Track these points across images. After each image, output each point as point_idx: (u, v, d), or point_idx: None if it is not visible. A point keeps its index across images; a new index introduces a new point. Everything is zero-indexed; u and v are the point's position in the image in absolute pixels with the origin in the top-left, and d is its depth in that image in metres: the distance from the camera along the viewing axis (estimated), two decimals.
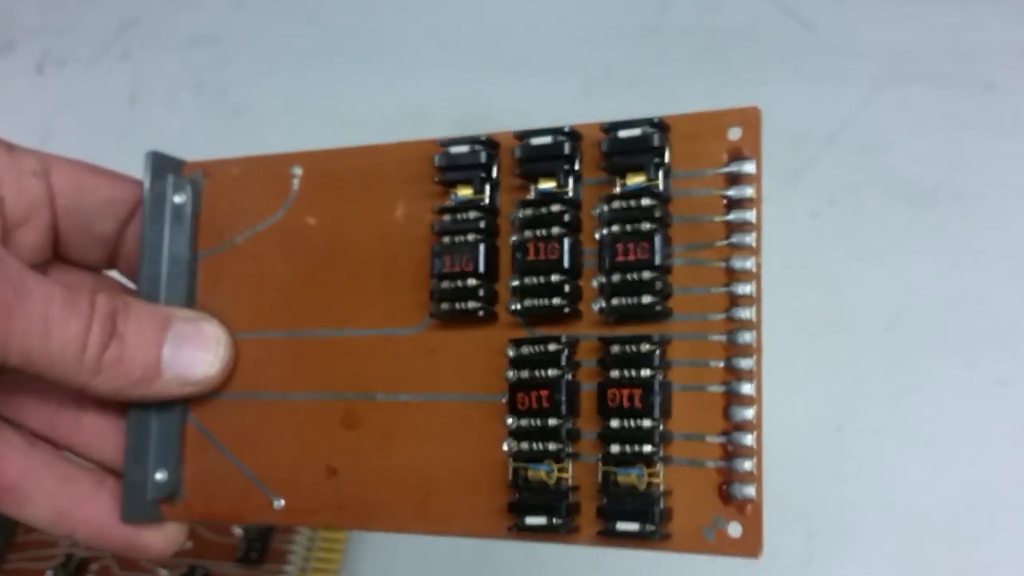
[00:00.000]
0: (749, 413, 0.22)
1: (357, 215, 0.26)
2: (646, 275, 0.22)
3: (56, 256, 0.28)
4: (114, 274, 0.29)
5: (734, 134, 0.22)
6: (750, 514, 0.22)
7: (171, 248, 0.27)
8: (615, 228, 0.23)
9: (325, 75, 0.53)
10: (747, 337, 0.22)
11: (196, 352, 0.26)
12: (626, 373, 0.22)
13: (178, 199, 0.27)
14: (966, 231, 0.43)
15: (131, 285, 0.29)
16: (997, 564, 0.38)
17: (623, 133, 0.23)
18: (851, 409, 0.41)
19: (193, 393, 0.26)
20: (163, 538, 0.27)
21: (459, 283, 0.24)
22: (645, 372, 0.22)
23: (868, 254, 0.43)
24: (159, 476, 0.26)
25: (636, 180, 0.23)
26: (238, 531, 0.42)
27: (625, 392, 0.22)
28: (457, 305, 0.24)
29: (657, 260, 0.22)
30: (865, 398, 0.41)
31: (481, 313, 0.24)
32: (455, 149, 0.25)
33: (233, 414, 0.27)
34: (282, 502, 0.26)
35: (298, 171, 0.27)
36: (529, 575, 0.41)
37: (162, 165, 0.27)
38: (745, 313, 0.22)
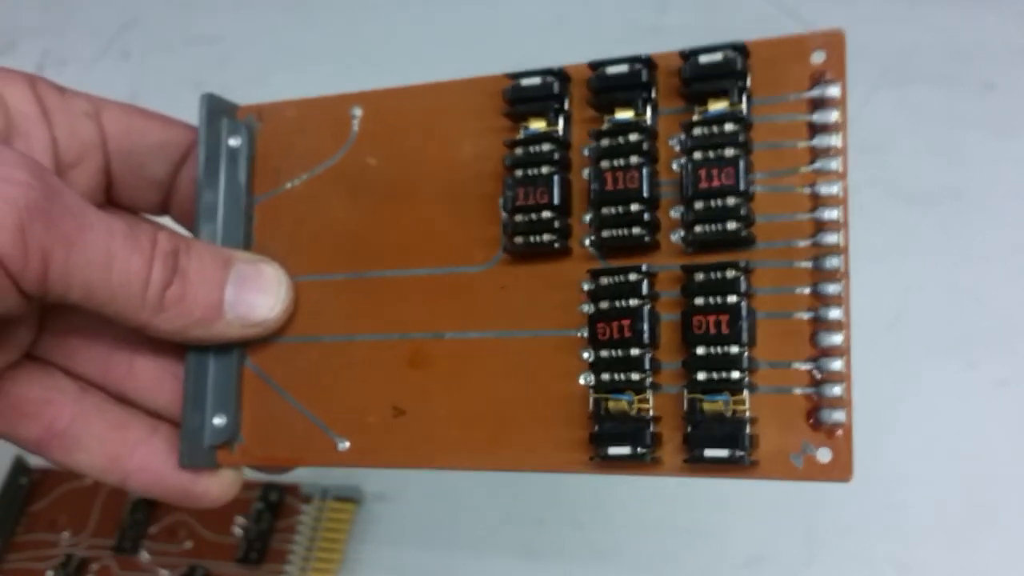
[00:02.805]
0: (838, 338, 0.21)
1: (421, 153, 0.25)
2: (731, 201, 0.22)
3: (109, 202, 0.28)
4: (167, 221, 0.30)
5: (817, 57, 0.22)
6: (840, 439, 0.21)
7: (227, 191, 0.26)
8: (697, 155, 0.22)
9: (325, 75, 0.53)
10: (834, 262, 0.21)
11: (257, 294, 0.25)
12: (711, 300, 0.22)
13: (233, 142, 0.27)
14: (966, 231, 0.43)
15: (184, 231, 0.28)
16: (997, 564, 0.38)
17: (704, 58, 0.22)
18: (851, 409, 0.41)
19: (254, 335, 0.26)
20: (219, 484, 0.27)
21: (533, 216, 0.23)
22: (732, 298, 0.22)
23: (868, 254, 0.43)
24: (217, 421, 0.26)
25: (718, 106, 0.22)
26: (238, 531, 0.42)
27: (711, 319, 0.22)
28: (532, 238, 0.23)
29: (742, 186, 0.21)
30: (865, 398, 0.41)
31: (557, 245, 0.23)
32: (526, 81, 0.24)
33: (293, 357, 0.26)
34: (347, 444, 0.25)
35: (358, 112, 0.26)
36: (529, 575, 0.41)
37: (217, 108, 0.27)
38: (832, 238, 0.21)
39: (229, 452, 0.26)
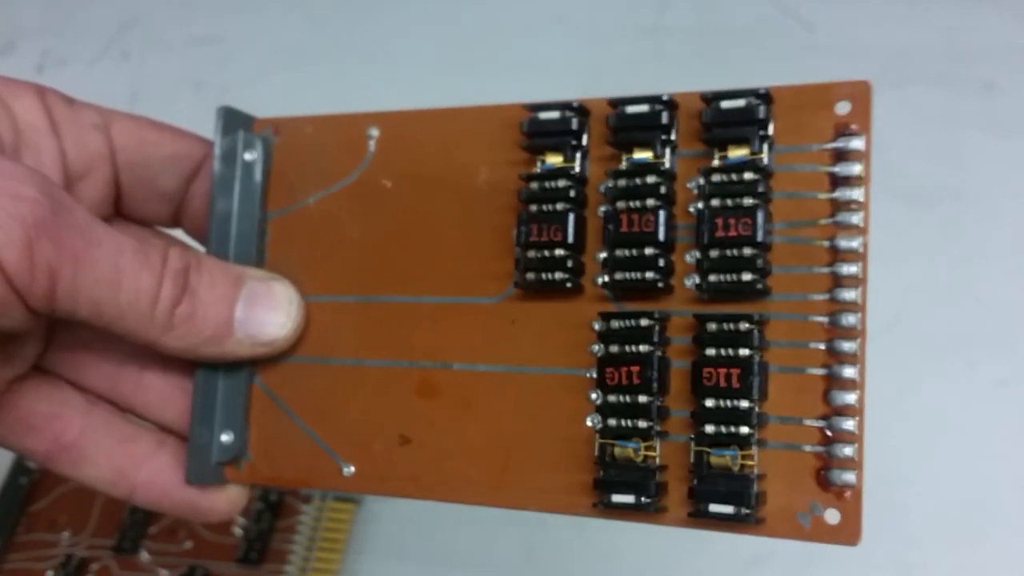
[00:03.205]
0: (851, 397, 0.21)
1: (436, 179, 0.25)
2: (747, 252, 0.21)
3: (119, 214, 0.27)
4: (179, 233, 0.29)
5: (842, 108, 0.22)
6: (849, 500, 0.21)
7: (241, 206, 0.26)
8: (715, 202, 0.22)
9: (325, 75, 0.53)
10: (851, 319, 0.21)
11: (268, 312, 0.25)
12: (723, 352, 0.21)
13: (248, 156, 0.26)
14: (966, 231, 0.43)
15: (196, 244, 0.28)
16: (997, 564, 0.38)
17: (726, 104, 0.22)
18: None
19: (264, 354, 0.26)
20: (226, 500, 0.27)
21: (546, 253, 0.23)
22: (744, 351, 0.21)
23: (868, 254, 0.43)
24: (225, 438, 0.26)
25: (739, 153, 0.22)
26: (238, 531, 0.42)
27: (722, 371, 0.21)
28: (544, 275, 0.23)
29: (759, 237, 0.21)
30: (865, 398, 0.41)
31: (569, 284, 0.23)
32: (544, 115, 0.24)
33: (302, 378, 0.26)
34: (352, 469, 0.25)
35: (375, 132, 0.26)
36: (528, 575, 0.41)
37: (233, 121, 0.26)
38: (850, 294, 0.21)
39: (236, 469, 0.26)
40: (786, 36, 0.48)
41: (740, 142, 0.22)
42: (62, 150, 0.25)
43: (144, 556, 0.42)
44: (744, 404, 0.21)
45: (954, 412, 0.40)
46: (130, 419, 0.27)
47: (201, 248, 0.28)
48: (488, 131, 0.25)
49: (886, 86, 0.45)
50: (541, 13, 0.52)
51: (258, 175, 0.27)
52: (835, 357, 0.21)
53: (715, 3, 0.50)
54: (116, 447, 0.26)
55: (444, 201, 0.25)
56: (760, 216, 0.21)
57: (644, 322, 0.22)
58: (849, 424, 0.21)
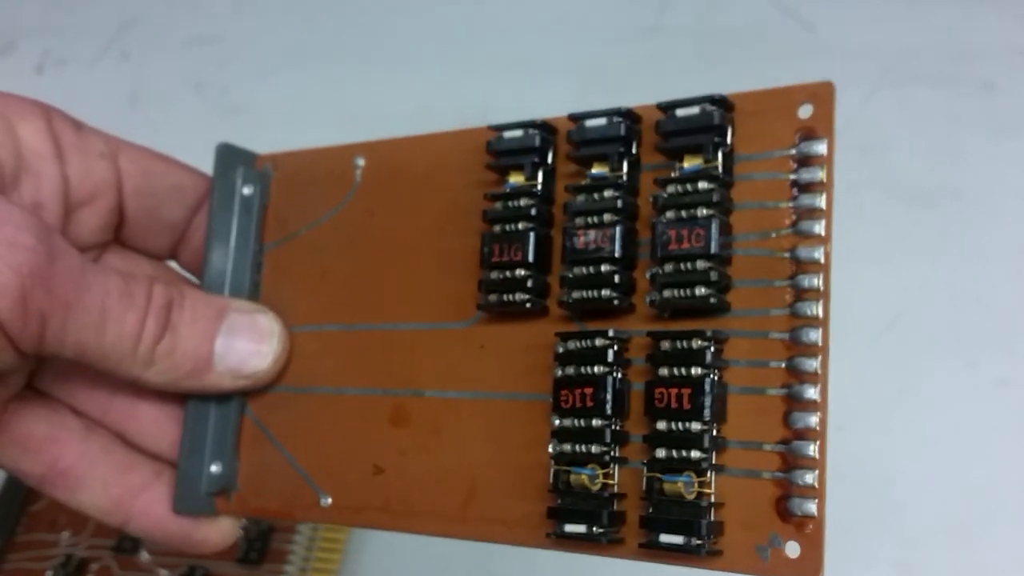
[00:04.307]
0: (812, 420, 0.19)
1: (415, 205, 0.25)
2: (700, 265, 0.20)
3: (117, 241, 0.27)
4: (174, 266, 0.29)
5: (804, 112, 0.20)
6: (811, 533, 0.19)
7: (238, 240, 0.26)
8: (670, 214, 0.21)
9: (325, 75, 0.53)
10: (812, 336, 0.19)
11: (249, 344, 0.25)
12: (675, 371, 0.20)
13: (247, 191, 0.27)
14: (966, 231, 0.43)
15: (191, 277, 0.28)
16: (997, 564, 0.38)
17: (681, 112, 0.21)
18: (851, 409, 0.41)
19: (246, 387, 0.25)
20: (219, 532, 0.26)
21: (508, 273, 0.22)
22: (696, 370, 0.20)
23: (868, 254, 0.43)
24: (214, 468, 0.26)
25: (694, 162, 0.21)
26: (238, 531, 0.42)
27: (673, 392, 0.20)
28: (505, 296, 0.22)
29: (713, 248, 0.20)
30: (865, 398, 0.41)
31: (529, 305, 0.22)
32: (509, 134, 0.23)
33: (289, 407, 0.26)
34: (329, 500, 0.25)
35: (361, 162, 0.26)
36: (527, 575, 0.41)
37: (231, 157, 0.27)
38: (810, 309, 0.19)
39: (226, 500, 0.26)
40: (786, 36, 0.48)
41: (695, 151, 0.21)
42: (65, 176, 0.25)
43: (144, 556, 0.42)
44: (696, 426, 0.20)
45: (954, 412, 0.40)
46: (129, 448, 0.27)
47: (190, 279, 0.28)
48: (462, 155, 0.24)
49: (886, 86, 0.45)
50: (541, 13, 0.52)
51: (255, 209, 0.27)
52: (796, 376, 0.19)
53: (715, 3, 0.50)
54: (113, 475, 0.26)
55: (421, 227, 0.25)
56: (714, 227, 0.20)
57: (599, 342, 0.21)
58: (811, 449, 0.19)
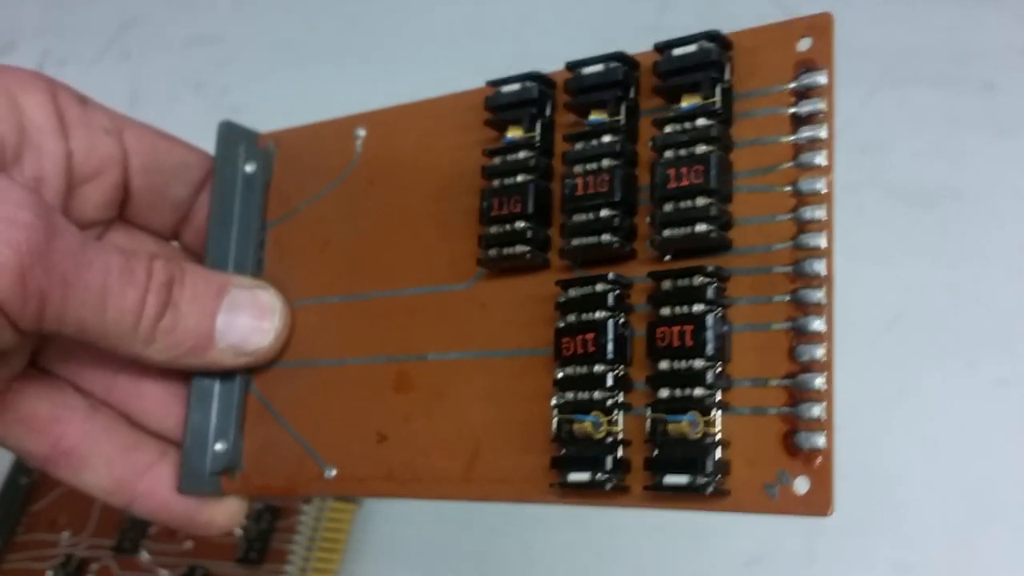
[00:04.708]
0: (818, 352, 0.19)
1: (415, 171, 0.25)
2: (700, 201, 0.20)
3: (121, 218, 0.27)
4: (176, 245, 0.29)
5: (803, 44, 0.20)
6: (819, 467, 0.18)
7: (240, 217, 0.26)
8: (668, 153, 0.20)
9: (325, 75, 0.53)
10: (816, 266, 0.19)
11: (250, 321, 0.25)
12: (676, 309, 0.20)
13: (249, 168, 0.26)
14: (966, 231, 0.43)
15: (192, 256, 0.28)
16: (997, 564, 0.38)
17: (678, 51, 0.21)
18: (851, 409, 0.41)
19: (248, 364, 0.25)
20: (225, 513, 0.26)
21: (507, 226, 0.22)
22: (698, 307, 0.19)
23: (868, 254, 0.43)
24: (218, 447, 0.25)
25: (692, 100, 0.20)
26: (238, 531, 0.42)
27: (675, 330, 0.19)
28: (505, 250, 0.22)
29: (713, 183, 0.19)
30: (865, 398, 0.41)
31: (529, 256, 0.22)
32: (506, 88, 0.23)
33: (292, 382, 0.25)
34: (334, 471, 0.24)
35: (361, 132, 0.26)
36: (527, 575, 0.41)
37: (234, 136, 0.26)
38: (814, 240, 0.19)
39: (231, 479, 0.26)
40: None
41: (693, 90, 0.20)
42: (69, 151, 0.24)
43: (144, 556, 0.42)
44: (699, 363, 0.19)
45: (954, 412, 0.40)
46: (133, 427, 0.26)
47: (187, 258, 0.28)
48: (460, 116, 0.24)
49: (886, 86, 0.45)
50: (541, 13, 0.52)
51: (258, 187, 0.26)
52: (801, 309, 0.19)
53: (715, 3, 0.50)
54: (117, 455, 0.25)
55: (421, 192, 0.24)
56: (713, 161, 0.19)
57: (599, 287, 0.20)
58: (817, 381, 0.18)
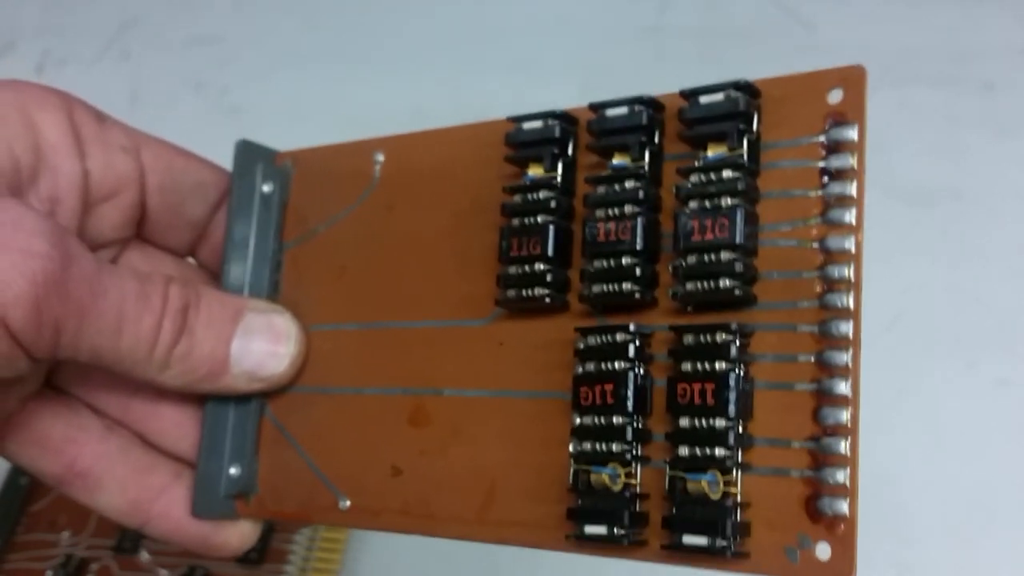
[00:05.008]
0: (843, 416, 0.18)
1: (433, 200, 0.24)
2: (725, 256, 0.19)
3: (138, 236, 0.27)
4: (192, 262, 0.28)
5: (834, 97, 0.19)
6: (843, 534, 0.18)
7: (257, 238, 0.26)
8: (693, 204, 0.20)
9: (325, 75, 0.53)
10: (843, 328, 0.18)
11: (265, 346, 0.24)
12: (699, 366, 0.19)
13: (267, 188, 0.26)
14: (966, 231, 0.43)
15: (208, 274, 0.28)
16: (997, 564, 0.38)
17: (705, 99, 0.20)
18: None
19: (263, 389, 0.25)
20: (239, 536, 0.26)
21: (527, 268, 0.22)
22: (720, 365, 0.19)
23: (868, 254, 0.43)
24: (233, 471, 0.25)
25: (718, 151, 0.20)
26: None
27: (697, 387, 0.19)
28: (524, 292, 0.21)
29: (738, 239, 0.19)
30: (865, 398, 0.41)
31: (548, 300, 0.21)
32: (527, 125, 0.22)
33: (307, 408, 0.25)
34: (348, 503, 0.24)
35: (380, 157, 0.25)
36: (529, 575, 0.41)
37: (251, 154, 0.26)
38: (841, 300, 0.18)
39: (245, 503, 0.25)
40: (786, 36, 0.48)
41: (719, 139, 0.20)
42: (86, 171, 0.24)
43: (144, 556, 0.42)
44: (720, 423, 0.19)
45: (954, 412, 0.40)
46: (148, 449, 0.26)
47: (205, 278, 0.27)
48: (480, 149, 0.23)
49: (886, 86, 0.45)
50: (541, 13, 0.52)
51: (275, 207, 0.26)
52: (826, 371, 0.18)
53: (715, 3, 0.50)
54: (131, 477, 0.25)
55: (440, 223, 0.24)
56: (739, 216, 0.19)
57: (620, 336, 0.20)
58: (841, 446, 0.18)
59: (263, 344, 0.25)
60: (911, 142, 0.44)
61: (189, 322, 0.23)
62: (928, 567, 0.38)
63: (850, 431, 0.18)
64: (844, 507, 0.18)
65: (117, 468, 0.25)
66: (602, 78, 0.48)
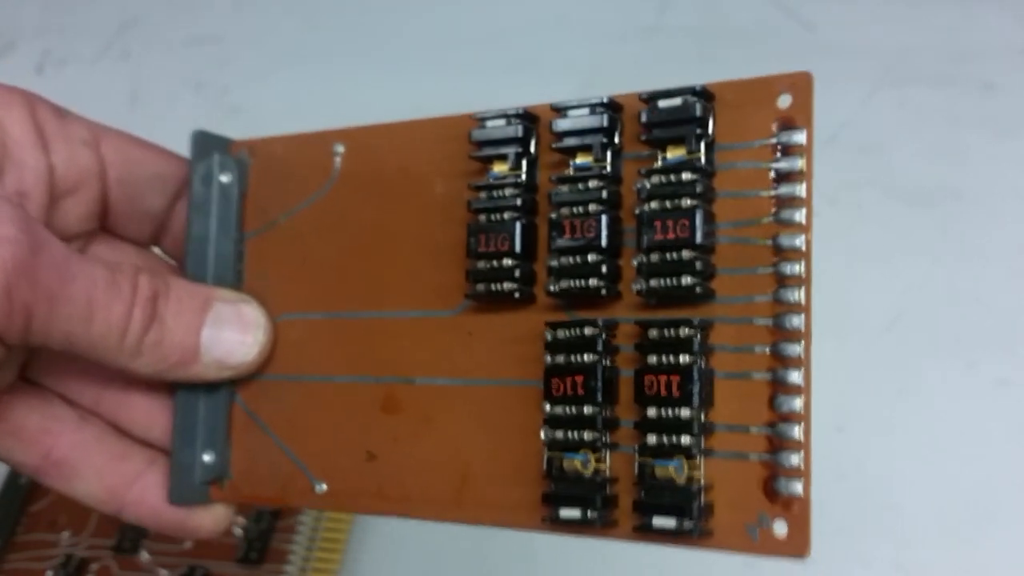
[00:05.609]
0: (796, 403, 0.20)
1: (396, 193, 0.25)
2: (686, 255, 0.21)
3: (102, 228, 0.27)
4: (158, 251, 0.29)
5: (783, 102, 0.21)
6: (797, 512, 0.20)
7: (218, 228, 0.26)
8: (654, 204, 0.21)
9: (325, 75, 0.53)
10: (795, 321, 0.20)
11: (235, 335, 0.25)
12: (664, 359, 0.21)
13: (224, 178, 0.26)
14: (966, 231, 0.43)
15: (174, 263, 0.28)
16: (997, 564, 0.38)
17: (663, 103, 0.21)
18: (851, 409, 0.41)
19: (231, 376, 0.26)
20: (213, 519, 0.27)
21: (495, 263, 0.23)
22: (684, 358, 0.20)
23: (868, 254, 0.43)
24: (207, 458, 0.26)
25: (677, 153, 0.21)
26: (238, 531, 0.42)
27: (663, 379, 0.20)
28: (493, 286, 0.23)
29: (698, 238, 0.20)
30: (865, 398, 0.41)
31: (517, 295, 0.22)
32: (491, 123, 0.23)
33: (278, 396, 0.26)
34: (324, 487, 0.25)
35: (340, 148, 0.26)
36: (526, 575, 0.41)
37: (208, 144, 0.26)
38: (793, 295, 0.20)
39: (219, 488, 0.26)
40: (786, 36, 0.48)
41: (678, 142, 0.21)
42: (51, 165, 0.25)
43: (144, 556, 0.42)
44: (685, 413, 0.20)
45: (954, 412, 0.40)
46: (123, 437, 0.27)
47: (174, 265, 0.28)
48: (443, 143, 0.24)
49: (886, 86, 0.45)
50: (541, 13, 0.52)
51: (234, 197, 0.27)
52: (780, 361, 0.20)
53: (715, 3, 0.50)
54: (107, 464, 0.26)
55: (404, 215, 0.25)
56: (699, 217, 0.20)
57: (588, 331, 0.21)
58: (795, 431, 0.20)
59: (232, 333, 0.25)
60: (911, 142, 0.44)
61: (159, 311, 0.24)
62: (927, 567, 0.38)
63: (803, 417, 0.20)
64: (799, 488, 0.20)
65: (93, 456, 0.26)
66: (602, 78, 0.48)
